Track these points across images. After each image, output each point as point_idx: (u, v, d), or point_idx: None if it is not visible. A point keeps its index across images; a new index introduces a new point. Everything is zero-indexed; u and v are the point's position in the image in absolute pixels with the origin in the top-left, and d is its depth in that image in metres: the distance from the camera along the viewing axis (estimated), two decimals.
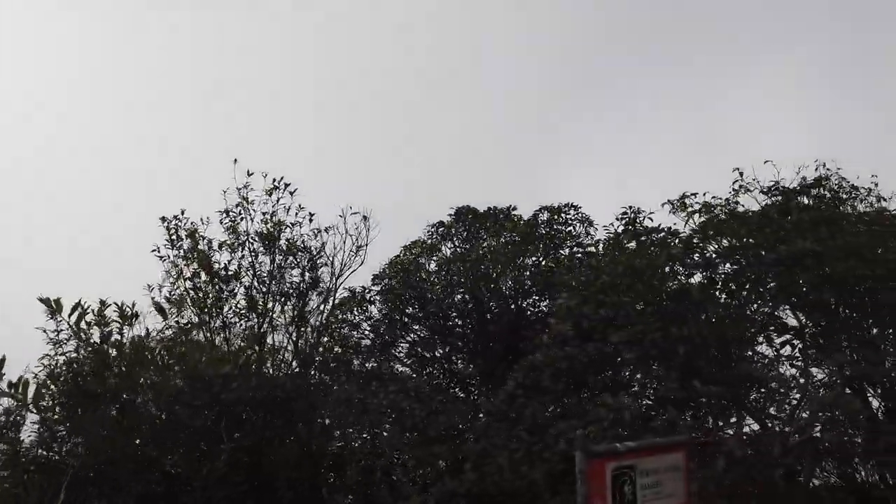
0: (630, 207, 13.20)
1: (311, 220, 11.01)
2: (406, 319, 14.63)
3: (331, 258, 12.43)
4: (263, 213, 10.95)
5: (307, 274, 11.02)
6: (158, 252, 11.07)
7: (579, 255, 15.01)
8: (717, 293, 8.26)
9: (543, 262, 15.26)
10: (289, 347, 11.01)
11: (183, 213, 11.19)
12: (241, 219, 10.85)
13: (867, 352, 7.95)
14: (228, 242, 10.92)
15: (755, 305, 7.96)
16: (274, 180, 11.01)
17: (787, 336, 8.04)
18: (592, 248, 14.91)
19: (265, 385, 9.57)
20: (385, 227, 15.30)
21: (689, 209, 10.52)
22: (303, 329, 11.30)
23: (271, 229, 10.77)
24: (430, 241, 15.66)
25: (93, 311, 9.85)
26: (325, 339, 13.50)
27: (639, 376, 7.56)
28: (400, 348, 14.67)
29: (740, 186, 10.91)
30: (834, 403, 6.54)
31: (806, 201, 9.67)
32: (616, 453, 5.58)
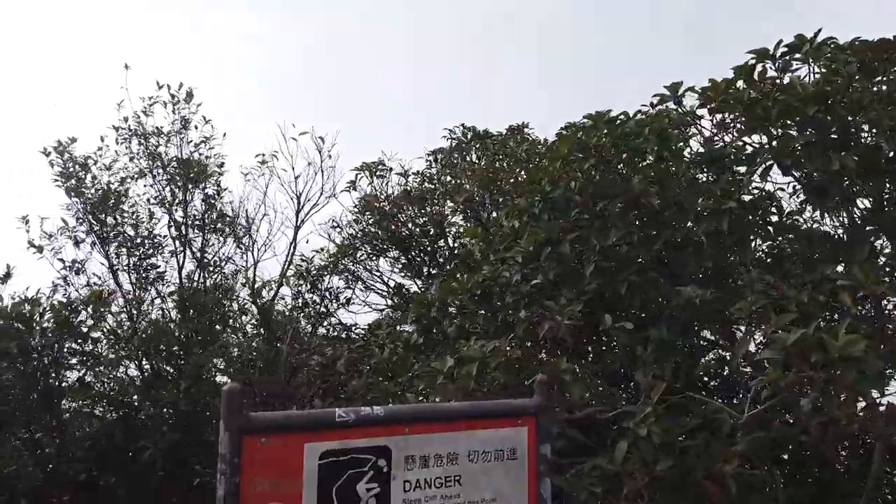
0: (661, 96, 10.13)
1: (184, 127, 8.68)
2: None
3: (297, 192, 10.48)
4: (158, 127, 8.79)
5: (206, 203, 8.86)
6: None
7: None
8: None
9: None
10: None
11: (74, 140, 9.33)
12: (134, 136, 8.74)
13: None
14: (135, 170, 9.00)
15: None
16: (169, 87, 8.90)
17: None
18: None
19: None
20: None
21: None
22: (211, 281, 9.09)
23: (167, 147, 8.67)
24: (429, 172, 13.19)
25: None
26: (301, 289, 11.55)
27: (522, 313, 4.83)
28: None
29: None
30: None
31: None
32: (328, 425, 2.96)
